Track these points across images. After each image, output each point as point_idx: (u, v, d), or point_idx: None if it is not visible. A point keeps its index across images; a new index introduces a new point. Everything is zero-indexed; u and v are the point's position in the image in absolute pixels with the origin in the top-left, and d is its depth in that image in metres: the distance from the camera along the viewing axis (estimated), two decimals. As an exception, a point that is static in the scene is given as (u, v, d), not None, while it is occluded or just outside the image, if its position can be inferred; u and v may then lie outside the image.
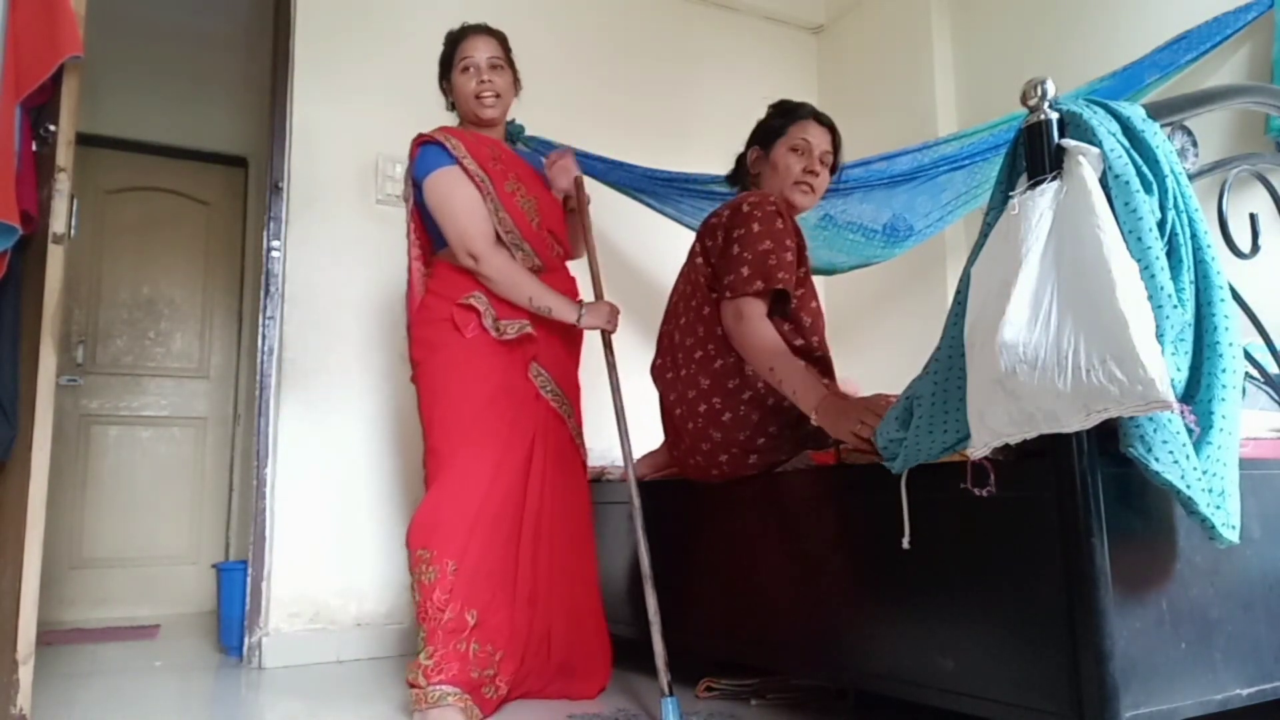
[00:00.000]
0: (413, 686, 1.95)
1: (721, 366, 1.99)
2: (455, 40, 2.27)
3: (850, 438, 1.56)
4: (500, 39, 2.28)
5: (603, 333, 2.21)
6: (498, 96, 2.22)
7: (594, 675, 2.17)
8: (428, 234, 2.24)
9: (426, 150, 2.15)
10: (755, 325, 1.88)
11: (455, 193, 2.11)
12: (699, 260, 2.08)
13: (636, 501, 2.08)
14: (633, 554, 2.35)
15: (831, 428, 1.62)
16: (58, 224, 1.89)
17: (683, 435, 2.06)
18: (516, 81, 2.31)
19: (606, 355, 2.23)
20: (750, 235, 1.92)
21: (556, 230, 2.28)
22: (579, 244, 2.40)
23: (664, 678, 1.89)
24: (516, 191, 2.19)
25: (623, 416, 2.19)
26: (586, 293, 2.31)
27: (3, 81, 1.94)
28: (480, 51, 2.21)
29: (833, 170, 2.18)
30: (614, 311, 2.22)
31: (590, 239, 2.34)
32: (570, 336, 2.27)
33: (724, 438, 1.95)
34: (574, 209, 2.35)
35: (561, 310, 2.13)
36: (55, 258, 1.89)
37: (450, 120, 2.33)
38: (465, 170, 2.12)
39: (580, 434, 2.28)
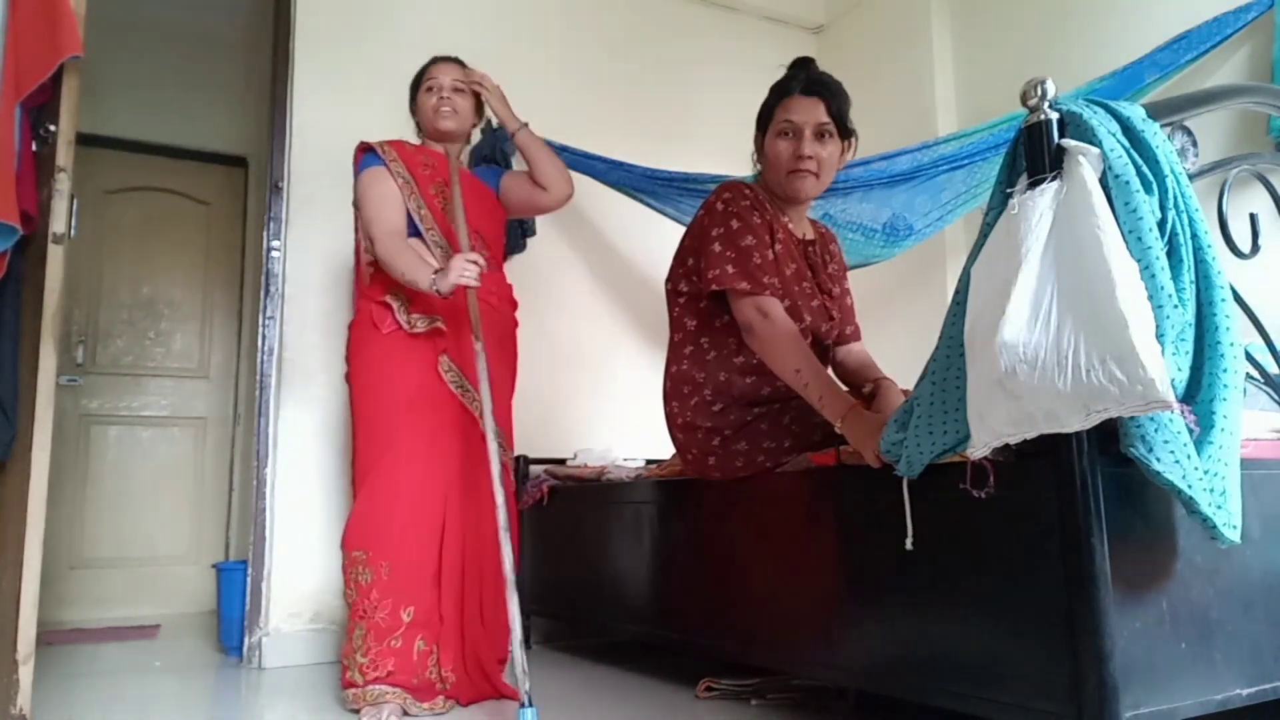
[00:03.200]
0: (349, 686, 2.03)
1: (677, 372, 2.03)
2: (424, 68, 2.45)
3: (874, 459, 1.53)
4: (465, 70, 2.46)
5: (471, 292, 2.13)
6: (455, 112, 2.38)
7: (497, 671, 2.19)
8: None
9: (364, 157, 2.33)
10: (781, 324, 1.82)
11: (372, 188, 2.26)
12: (674, 262, 2.08)
13: (500, 498, 2.01)
14: (640, 556, 2.35)
15: (858, 443, 1.59)
16: (58, 224, 1.89)
17: None
18: (479, 110, 2.48)
19: (472, 317, 2.16)
20: (730, 233, 1.90)
21: (485, 233, 2.37)
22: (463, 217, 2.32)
23: (524, 686, 1.86)
24: (441, 195, 2.32)
25: (490, 394, 2.11)
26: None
27: (3, 81, 1.94)
28: (445, 75, 2.39)
29: (844, 135, 1.96)
30: (467, 263, 2.06)
31: (455, 196, 2.28)
32: (499, 332, 2.33)
33: (684, 439, 2.00)
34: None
35: (416, 278, 2.09)
36: (55, 258, 1.89)
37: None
38: (390, 172, 2.26)
39: (502, 433, 2.29)
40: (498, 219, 2.47)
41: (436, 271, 2.08)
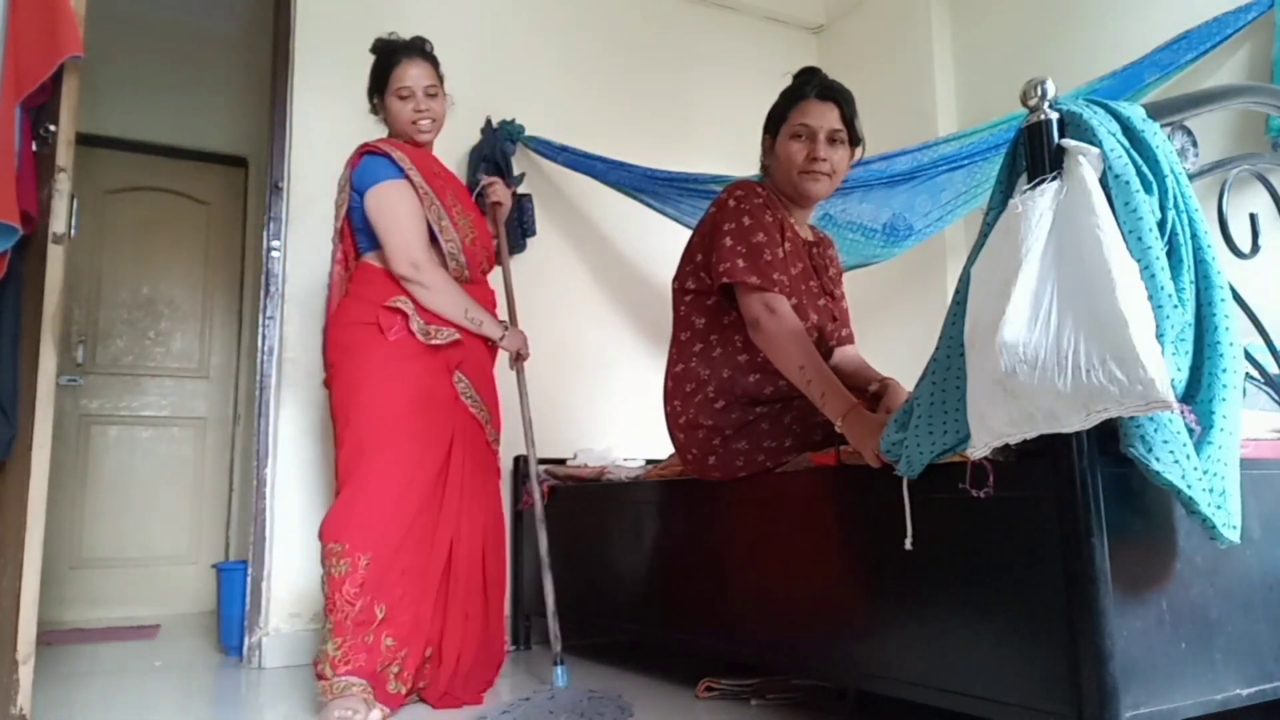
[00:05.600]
0: (320, 679, 2.00)
1: (682, 370, 2.03)
2: (389, 63, 2.27)
3: (874, 459, 1.54)
4: (434, 62, 2.31)
5: (516, 356, 2.38)
6: (434, 122, 2.29)
7: (486, 679, 2.21)
8: (354, 241, 2.28)
9: (373, 161, 2.21)
10: (788, 321, 1.83)
11: (401, 204, 2.18)
12: (683, 260, 2.09)
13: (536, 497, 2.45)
14: (640, 556, 2.35)
15: (858, 442, 1.60)
16: (58, 224, 1.89)
17: None
18: (448, 99, 2.36)
19: (519, 383, 2.44)
20: (741, 229, 1.91)
21: (487, 246, 2.39)
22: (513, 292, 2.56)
23: (556, 646, 2.25)
24: (455, 207, 2.27)
25: (530, 432, 2.47)
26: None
27: (3, 81, 1.93)
28: (417, 80, 2.25)
29: (853, 143, 2.03)
30: (526, 341, 2.40)
31: (506, 262, 2.54)
32: (489, 346, 2.34)
33: (685, 438, 2.00)
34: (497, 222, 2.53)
35: (490, 327, 2.26)
36: (55, 258, 1.89)
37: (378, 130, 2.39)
38: (411, 183, 2.19)
39: (497, 440, 2.33)
40: (489, 231, 2.46)
41: (505, 326, 2.31)
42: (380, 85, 2.30)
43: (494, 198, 2.47)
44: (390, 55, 2.28)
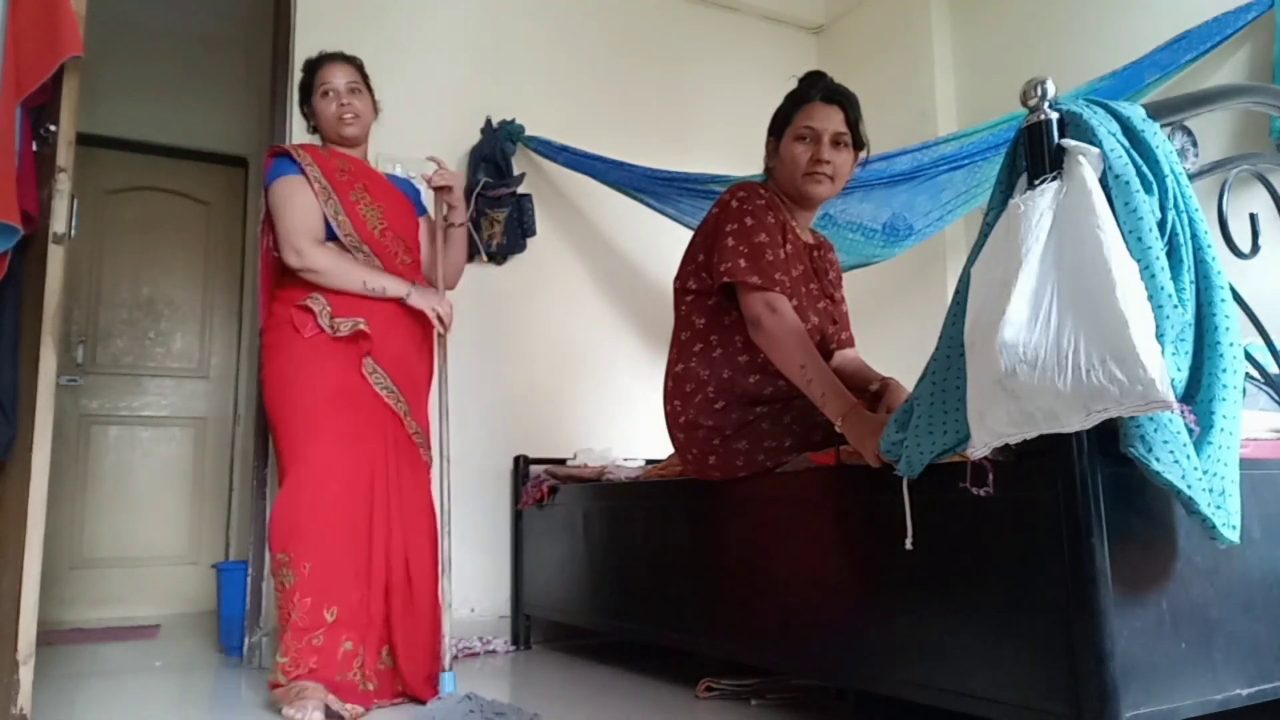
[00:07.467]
0: (274, 688, 2.02)
1: (683, 370, 2.03)
2: (314, 68, 2.39)
3: (874, 459, 1.54)
4: (357, 65, 2.41)
5: (437, 334, 2.31)
6: (357, 117, 2.35)
7: (429, 671, 2.16)
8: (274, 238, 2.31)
9: (277, 161, 2.30)
10: (789, 321, 1.83)
11: (290, 196, 2.23)
12: (684, 259, 2.10)
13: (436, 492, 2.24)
14: (639, 556, 2.35)
15: (858, 442, 1.60)
16: (58, 224, 1.89)
17: None
18: (375, 104, 2.43)
19: (439, 359, 2.33)
20: (744, 229, 1.92)
21: (406, 238, 2.37)
22: (440, 266, 2.43)
23: (447, 656, 2.12)
24: (361, 200, 2.29)
25: (446, 416, 2.29)
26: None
27: (3, 81, 1.93)
28: (339, 78, 2.34)
29: (857, 146, 2.04)
30: (446, 304, 2.31)
31: (439, 255, 2.41)
32: (419, 336, 2.33)
33: (685, 439, 2.00)
34: (448, 222, 2.43)
35: (395, 289, 2.23)
36: (55, 258, 1.89)
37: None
38: (307, 178, 2.24)
39: (421, 434, 2.31)
40: (416, 224, 2.44)
41: (414, 285, 2.24)
42: (308, 92, 2.39)
43: (437, 182, 2.38)
44: (316, 62, 2.40)
